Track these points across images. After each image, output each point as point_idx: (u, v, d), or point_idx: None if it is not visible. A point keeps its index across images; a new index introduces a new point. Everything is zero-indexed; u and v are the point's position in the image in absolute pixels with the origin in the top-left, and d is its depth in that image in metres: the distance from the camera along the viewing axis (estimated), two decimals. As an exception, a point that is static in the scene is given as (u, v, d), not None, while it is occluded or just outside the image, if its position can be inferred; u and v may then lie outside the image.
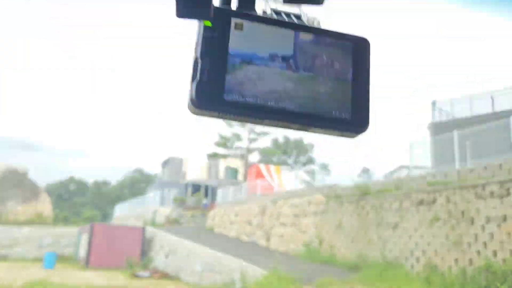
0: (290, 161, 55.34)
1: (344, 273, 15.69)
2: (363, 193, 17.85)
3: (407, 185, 16.23)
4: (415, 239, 15.02)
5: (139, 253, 27.49)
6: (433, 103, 24.69)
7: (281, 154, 55.28)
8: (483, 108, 20.77)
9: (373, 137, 17.67)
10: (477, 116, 21.51)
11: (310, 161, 54.83)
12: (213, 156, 44.77)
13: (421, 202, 15.14)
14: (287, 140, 58.99)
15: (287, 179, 29.72)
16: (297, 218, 22.11)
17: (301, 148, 60.06)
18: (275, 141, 48.53)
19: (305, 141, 61.19)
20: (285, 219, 23.24)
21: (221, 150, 44.71)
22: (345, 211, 18.79)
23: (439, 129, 22.46)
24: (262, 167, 32.14)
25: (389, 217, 16.37)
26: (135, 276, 22.92)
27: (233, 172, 53.33)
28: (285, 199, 24.11)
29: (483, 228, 12.85)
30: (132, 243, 27.85)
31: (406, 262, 15.17)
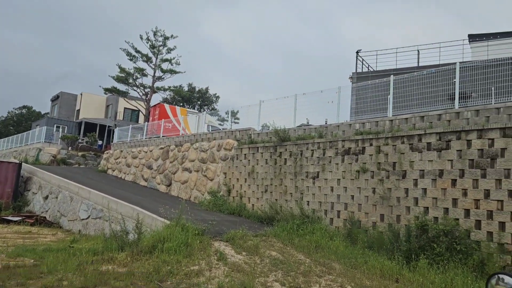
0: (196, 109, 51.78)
1: (256, 226, 13.74)
2: (281, 139, 15.78)
3: (333, 132, 14.46)
4: (338, 191, 13.46)
5: (11, 193, 22.80)
6: (357, 53, 23.25)
7: (185, 102, 51.36)
8: (409, 61, 19.69)
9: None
10: (402, 68, 20.56)
11: (216, 113, 51.94)
12: (111, 92, 39.38)
13: (347, 152, 13.48)
14: (191, 89, 55.05)
15: (195, 122, 26.72)
16: (204, 163, 19.54)
17: (206, 99, 56.69)
18: (180, 91, 44.28)
19: (211, 92, 57.99)
20: (190, 164, 20.53)
21: (121, 87, 39.45)
22: (260, 157, 16.67)
23: (360, 80, 21.15)
24: (167, 107, 28.57)
25: (309, 166, 14.58)
26: (1, 220, 18.71)
27: (134, 114, 48.46)
28: (191, 142, 21.25)
29: (416, 183, 11.54)
30: (3, 181, 22.98)
31: (326, 216, 13.63)
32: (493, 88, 12.30)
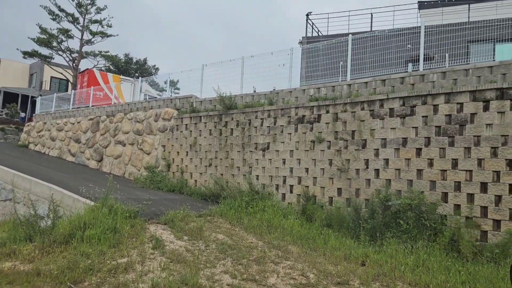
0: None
1: (200, 205, 12.15)
2: (227, 106, 14.10)
3: (284, 99, 13.02)
4: (291, 164, 12.14)
5: None
6: (307, 16, 21.82)
7: (122, 74, 47.33)
8: (362, 25, 18.56)
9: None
10: (355, 33, 19.42)
11: (154, 84, 48.30)
12: (32, 56, 34.97)
13: (300, 120, 12.13)
14: (128, 60, 51.04)
15: (130, 90, 24.14)
16: (140, 135, 17.41)
17: (144, 71, 52.94)
18: (113, 58, 40.41)
19: (150, 63, 54.23)
20: (124, 137, 18.28)
21: (44, 51, 35.15)
22: (203, 128, 14.91)
23: (310, 43, 19.81)
24: (97, 73, 25.53)
25: (259, 137, 13.10)
26: None
27: (62, 84, 44.04)
28: (125, 112, 18.92)
29: (377, 153, 10.46)
30: None
31: (277, 191, 12.31)
32: (450, 52, 11.41)
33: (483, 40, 12.69)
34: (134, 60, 52.38)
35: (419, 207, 8.87)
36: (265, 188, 12.51)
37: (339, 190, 10.95)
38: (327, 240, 8.97)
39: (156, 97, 23.32)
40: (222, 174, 13.91)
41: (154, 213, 10.27)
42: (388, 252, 8.04)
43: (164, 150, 16.22)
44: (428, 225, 8.51)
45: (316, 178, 11.49)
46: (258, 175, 12.90)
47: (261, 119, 13.17)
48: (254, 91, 14.24)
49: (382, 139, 10.40)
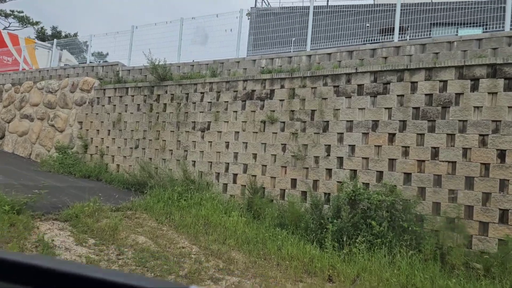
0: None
1: (121, 195, 9.71)
2: (161, 77, 11.65)
3: (230, 70, 10.85)
4: (236, 148, 10.05)
5: None
6: (255, -13, 19.68)
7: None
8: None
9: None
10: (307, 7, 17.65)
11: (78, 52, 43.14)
12: None
13: (249, 96, 10.06)
14: (56, 33, 45.52)
15: (47, 59, 20.53)
16: (52, 108, 14.35)
17: (75, 47, 47.56)
18: (29, 20, 35.41)
19: (81, 39, 48.76)
20: (32, 110, 15.06)
21: None
22: (130, 102, 12.32)
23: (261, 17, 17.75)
24: (4, 33, 21.49)
25: (198, 114, 10.84)
26: None
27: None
28: (35, 80, 15.64)
29: (341, 138, 8.68)
30: None
31: (218, 181, 10.17)
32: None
33: (446, 24, 11.37)
34: (63, 34, 46.99)
35: (394, 205, 7.19)
36: (203, 177, 10.31)
37: (294, 182, 9.05)
38: (281, 245, 7.02)
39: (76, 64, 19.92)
40: (150, 159, 11.47)
41: (54, 206, 7.72)
42: (360, 263, 6.25)
43: (81, 128, 13.37)
44: (407, 227, 6.84)
45: (265, 166, 9.50)
46: (195, 161, 10.66)
47: (202, 93, 10.90)
48: (193, 61, 11.89)
49: (348, 121, 8.63)
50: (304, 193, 8.83)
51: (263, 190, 9.38)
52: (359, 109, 8.53)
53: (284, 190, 9.14)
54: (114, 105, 12.68)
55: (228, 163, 10.08)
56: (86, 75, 13.96)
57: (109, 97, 12.86)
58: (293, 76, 9.46)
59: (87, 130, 13.18)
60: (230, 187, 9.92)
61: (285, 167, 9.22)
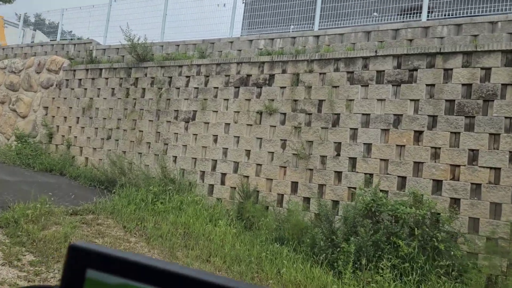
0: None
1: (85, 193, 8.04)
2: (140, 57, 9.98)
3: (222, 52, 9.24)
4: (226, 143, 8.45)
5: None
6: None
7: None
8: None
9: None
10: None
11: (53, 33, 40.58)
12: None
13: (244, 81, 8.48)
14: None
15: (18, 38, 18.58)
16: (15, 91, 12.50)
17: (47, 26, 45.19)
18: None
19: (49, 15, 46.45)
20: (-8, 92, 13.16)
21: None
22: (104, 85, 10.61)
23: None
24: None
25: (182, 102, 9.21)
26: None
27: None
28: (-2, 59, 13.74)
29: (354, 134, 7.15)
30: None
31: (203, 181, 8.55)
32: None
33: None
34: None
35: (425, 220, 5.69)
36: (185, 175, 8.69)
37: (295, 185, 7.50)
38: (280, 266, 5.46)
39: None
40: (124, 152, 9.78)
41: (-9, 206, 6.01)
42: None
43: (47, 114, 11.59)
44: (443, 249, 5.34)
45: (261, 165, 7.93)
46: (176, 156, 9.02)
47: (187, 77, 9.26)
48: (178, 42, 10.23)
49: (363, 114, 7.11)
50: (307, 200, 7.28)
51: (257, 194, 7.80)
52: (378, 100, 7.03)
53: (283, 195, 7.57)
54: (85, 89, 10.93)
55: (216, 160, 8.47)
56: (55, 54, 12.16)
57: (80, 80, 11.11)
58: (297, 59, 7.90)
59: (53, 116, 11.41)
60: (217, 189, 8.31)
61: (285, 167, 7.66)
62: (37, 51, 12.74)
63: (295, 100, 7.81)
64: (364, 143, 7.00)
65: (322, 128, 7.44)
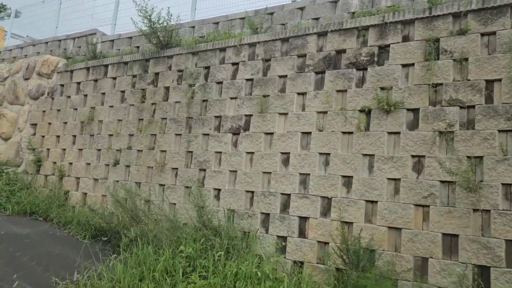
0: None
1: (74, 254, 4.73)
2: (162, 43, 6.77)
3: (287, 24, 5.95)
4: (305, 164, 5.00)
5: None
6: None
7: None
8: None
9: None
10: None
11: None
12: None
13: (332, 62, 5.11)
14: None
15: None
16: (-1, 105, 9.45)
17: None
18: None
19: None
20: (-27, 109, 10.15)
21: None
22: (110, 88, 7.40)
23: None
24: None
25: (226, 103, 5.86)
26: None
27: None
28: (-16, 68, 10.82)
29: None
30: None
31: (265, 230, 5.07)
32: None
33: None
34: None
35: None
36: (235, 221, 5.24)
37: (450, 240, 3.95)
38: None
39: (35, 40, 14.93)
40: (139, 184, 6.43)
41: None
42: None
43: (35, 133, 8.44)
44: None
45: (375, 203, 4.43)
46: (220, 189, 5.60)
47: (234, 64, 5.97)
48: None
49: None
50: (483, 269, 3.71)
51: (373, 254, 4.27)
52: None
53: (426, 258, 4.02)
54: (85, 95, 7.76)
55: (289, 195, 5.00)
56: (50, 53, 9.14)
57: (78, 83, 7.96)
58: (433, 13, 4.52)
59: (43, 136, 8.24)
60: (294, 245, 4.81)
61: (425, 206, 4.15)
62: (28, 53, 9.77)
63: (435, 85, 4.37)
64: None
65: (500, 131, 3.95)
